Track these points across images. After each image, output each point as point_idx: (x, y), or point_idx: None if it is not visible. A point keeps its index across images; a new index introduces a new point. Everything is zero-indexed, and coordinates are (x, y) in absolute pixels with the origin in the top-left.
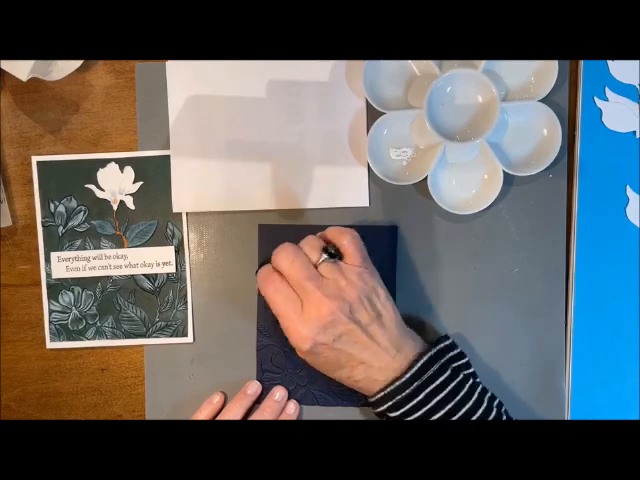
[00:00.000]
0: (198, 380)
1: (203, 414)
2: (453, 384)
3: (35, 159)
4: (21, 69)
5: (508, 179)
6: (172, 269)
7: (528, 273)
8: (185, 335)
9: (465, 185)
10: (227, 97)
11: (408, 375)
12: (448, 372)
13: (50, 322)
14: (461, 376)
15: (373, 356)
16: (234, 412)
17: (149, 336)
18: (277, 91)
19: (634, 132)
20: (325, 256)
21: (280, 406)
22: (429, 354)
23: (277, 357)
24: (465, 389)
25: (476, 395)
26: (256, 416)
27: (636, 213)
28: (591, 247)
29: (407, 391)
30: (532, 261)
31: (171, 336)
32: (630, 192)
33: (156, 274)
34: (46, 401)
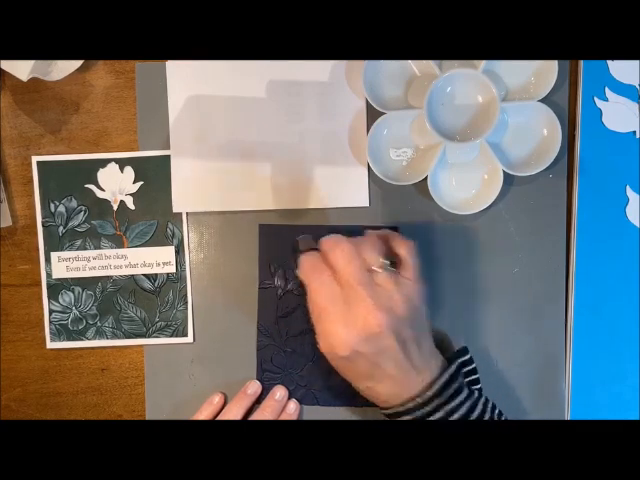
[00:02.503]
0: (198, 380)
1: (203, 415)
2: (469, 403)
3: (35, 159)
4: (21, 69)
5: (508, 179)
6: (172, 269)
7: (528, 273)
8: (185, 335)
9: (465, 185)
10: (227, 97)
11: (430, 393)
12: (466, 390)
13: (50, 322)
14: (476, 394)
15: (404, 374)
16: (234, 412)
17: (149, 336)
18: (277, 91)
19: (634, 132)
20: (387, 263)
21: (280, 405)
22: (449, 371)
23: (277, 357)
24: (478, 409)
25: (487, 416)
26: (256, 416)
27: (636, 213)
28: (591, 247)
29: (427, 408)
30: (532, 261)
31: (171, 336)
32: (630, 192)
33: (156, 274)
34: (46, 401)
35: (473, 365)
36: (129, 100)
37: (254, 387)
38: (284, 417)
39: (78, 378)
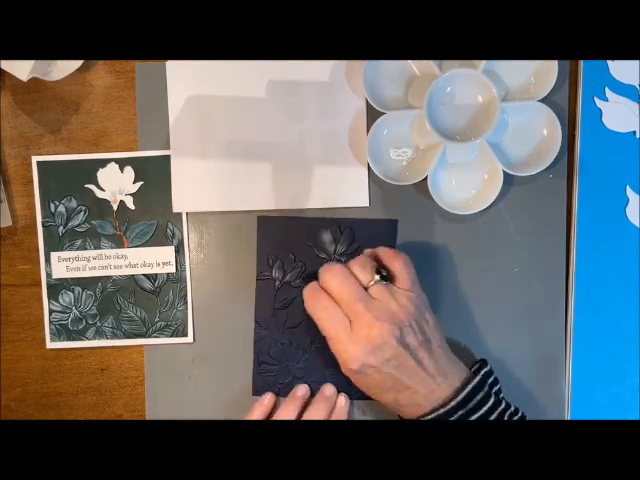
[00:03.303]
0: (198, 380)
1: (255, 415)
2: (495, 414)
3: (35, 159)
4: (21, 69)
5: (508, 179)
6: (172, 269)
7: (528, 273)
8: (185, 335)
9: (465, 185)
10: (227, 97)
11: (453, 403)
12: (491, 401)
13: (50, 322)
14: (503, 405)
15: (419, 382)
16: (288, 414)
17: (149, 336)
18: (277, 91)
19: (634, 132)
20: (377, 277)
21: (330, 404)
22: (473, 382)
23: (274, 349)
24: (505, 419)
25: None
26: (309, 415)
27: (636, 213)
28: (591, 247)
29: (451, 419)
30: (532, 261)
31: (171, 336)
32: (630, 192)
33: (156, 274)
34: (46, 401)
35: (494, 375)
36: (129, 100)
37: (303, 390)
38: (336, 412)
39: (78, 378)
